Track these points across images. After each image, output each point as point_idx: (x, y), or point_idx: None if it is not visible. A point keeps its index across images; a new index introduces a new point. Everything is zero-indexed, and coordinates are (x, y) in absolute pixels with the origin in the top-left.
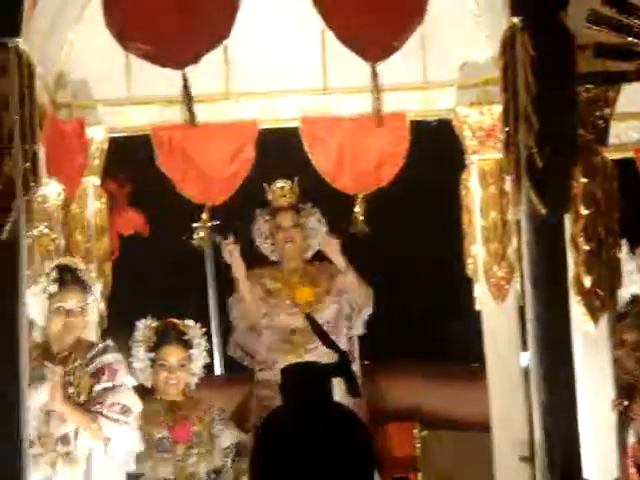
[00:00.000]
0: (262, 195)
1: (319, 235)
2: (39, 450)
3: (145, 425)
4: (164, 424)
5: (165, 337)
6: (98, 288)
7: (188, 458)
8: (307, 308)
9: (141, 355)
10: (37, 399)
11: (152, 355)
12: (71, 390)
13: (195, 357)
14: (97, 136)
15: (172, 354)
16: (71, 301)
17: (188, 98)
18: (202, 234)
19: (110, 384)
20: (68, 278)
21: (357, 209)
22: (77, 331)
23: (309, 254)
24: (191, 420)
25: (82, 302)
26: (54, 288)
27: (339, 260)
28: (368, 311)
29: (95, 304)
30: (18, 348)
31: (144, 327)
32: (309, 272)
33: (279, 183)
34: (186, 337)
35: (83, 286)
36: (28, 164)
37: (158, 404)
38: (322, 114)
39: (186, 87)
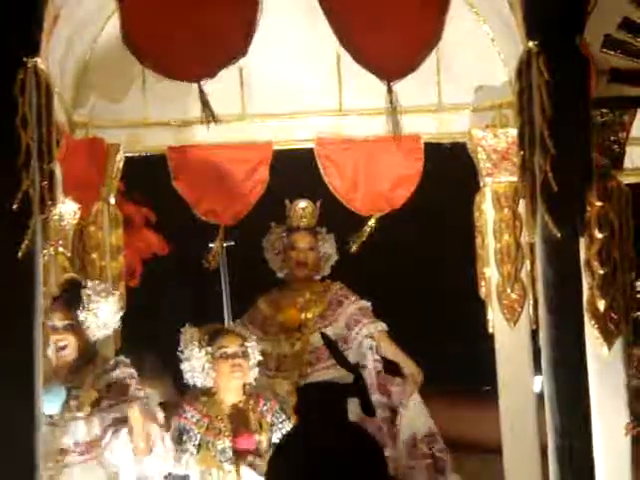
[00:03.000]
0: (278, 212)
1: (330, 260)
2: None
3: (206, 433)
4: (226, 433)
5: (218, 331)
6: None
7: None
8: (307, 329)
9: (196, 353)
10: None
11: (210, 349)
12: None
13: (251, 351)
14: (113, 156)
15: (232, 342)
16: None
17: (204, 99)
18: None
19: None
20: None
21: (364, 230)
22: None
23: (318, 277)
24: (253, 426)
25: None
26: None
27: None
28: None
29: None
30: (33, 366)
31: (191, 330)
32: (314, 292)
33: (301, 203)
34: (237, 331)
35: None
36: (45, 182)
37: (219, 408)
38: (337, 135)
39: (202, 91)
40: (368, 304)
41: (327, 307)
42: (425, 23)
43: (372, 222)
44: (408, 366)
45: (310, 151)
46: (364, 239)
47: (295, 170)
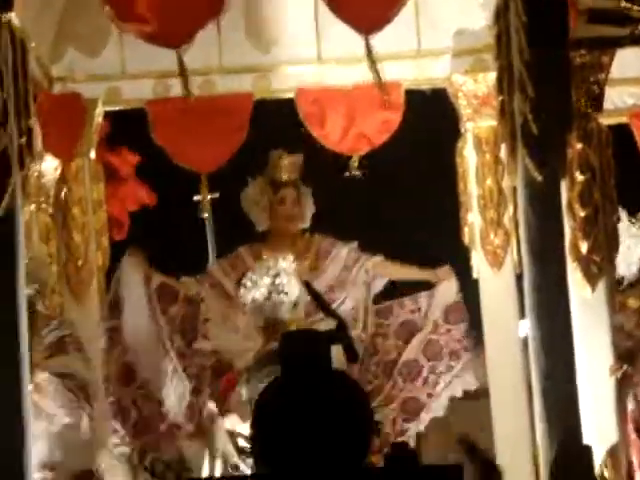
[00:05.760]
0: (259, 164)
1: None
2: None
3: None
4: None
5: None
6: None
7: None
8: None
9: None
10: None
11: None
12: None
13: None
14: (92, 110)
15: None
16: None
17: (183, 73)
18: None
19: None
20: None
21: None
22: None
23: (300, 229)
24: None
25: None
26: None
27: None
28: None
29: None
30: (17, 323)
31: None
32: (299, 245)
33: (288, 156)
34: None
35: None
36: (23, 139)
37: None
38: (317, 84)
39: (181, 62)
40: (355, 244)
41: (315, 259)
42: None
43: (355, 163)
44: (427, 273)
45: (288, 101)
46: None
47: (274, 121)
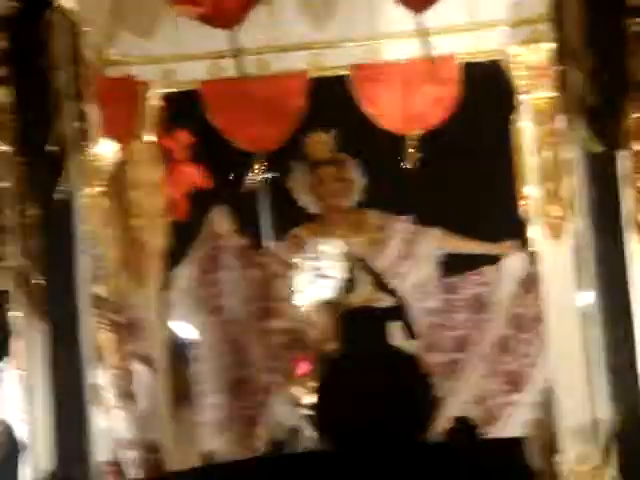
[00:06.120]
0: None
1: (359, 185)
2: None
3: None
4: None
5: None
6: None
7: None
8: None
9: None
10: None
11: None
12: None
13: None
14: (147, 92)
15: None
16: None
17: (237, 53)
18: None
19: None
20: None
21: (408, 146)
22: None
23: (350, 204)
24: None
25: None
26: None
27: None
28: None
29: None
30: (76, 311)
31: None
32: (353, 222)
33: (317, 135)
34: None
35: None
36: (79, 123)
37: None
38: (371, 60)
39: (235, 43)
40: (411, 217)
41: (373, 234)
42: None
43: (410, 142)
44: (490, 247)
45: (339, 79)
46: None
47: (331, 99)
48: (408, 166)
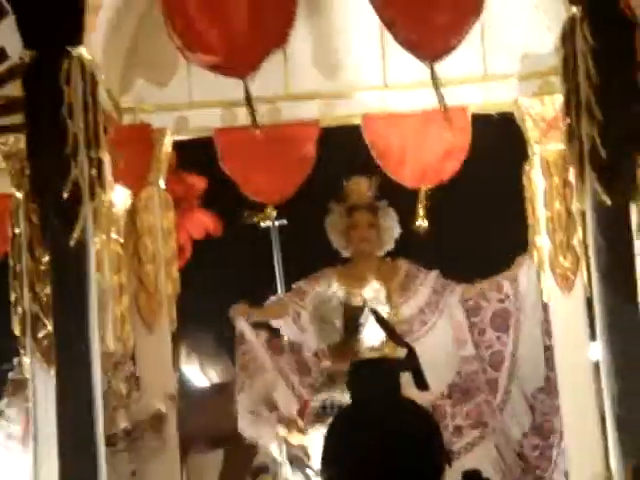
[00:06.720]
0: (332, 190)
1: (393, 233)
2: None
3: None
4: None
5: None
6: None
7: None
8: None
9: None
10: None
11: None
12: None
13: None
14: (160, 140)
15: None
16: None
17: (250, 102)
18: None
19: None
20: None
21: (420, 204)
22: None
23: (382, 252)
24: None
25: None
26: None
27: None
28: None
29: None
30: (89, 353)
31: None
32: (382, 269)
33: (357, 180)
34: None
35: None
36: (94, 170)
37: None
38: (383, 110)
39: (248, 92)
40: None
41: (403, 282)
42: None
43: (422, 195)
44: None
45: (358, 127)
46: (423, 214)
47: (346, 147)
48: (419, 222)
